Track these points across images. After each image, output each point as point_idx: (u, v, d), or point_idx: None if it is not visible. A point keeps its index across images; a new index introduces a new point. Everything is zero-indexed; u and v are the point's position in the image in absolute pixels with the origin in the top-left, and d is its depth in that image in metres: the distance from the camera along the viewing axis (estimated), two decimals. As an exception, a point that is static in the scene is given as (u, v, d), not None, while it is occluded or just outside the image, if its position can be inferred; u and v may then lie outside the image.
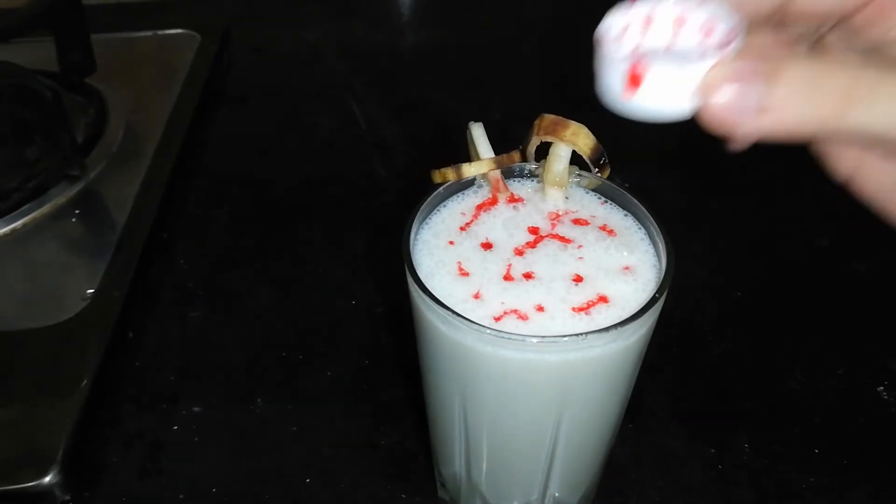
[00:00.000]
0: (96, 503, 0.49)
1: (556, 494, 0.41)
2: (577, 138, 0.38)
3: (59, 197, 0.68)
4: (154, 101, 0.80)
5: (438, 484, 0.48)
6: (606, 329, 0.31)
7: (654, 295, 0.33)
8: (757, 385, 0.55)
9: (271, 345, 0.59)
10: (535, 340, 0.31)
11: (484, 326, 0.31)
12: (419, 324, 0.36)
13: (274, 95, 0.85)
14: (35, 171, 0.68)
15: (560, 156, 0.38)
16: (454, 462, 0.42)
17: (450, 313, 0.32)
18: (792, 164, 0.73)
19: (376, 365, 0.57)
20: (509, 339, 0.31)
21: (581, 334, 0.31)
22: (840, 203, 0.32)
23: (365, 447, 0.51)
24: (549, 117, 0.38)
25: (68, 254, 0.65)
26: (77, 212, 0.67)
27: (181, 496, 0.49)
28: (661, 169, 0.73)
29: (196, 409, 0.54)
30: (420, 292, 0.33)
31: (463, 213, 0.39)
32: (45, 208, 0.67)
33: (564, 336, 0.31)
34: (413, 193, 0.39)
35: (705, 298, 0.62)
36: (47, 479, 0.48)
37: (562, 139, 0.38)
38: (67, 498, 0.49)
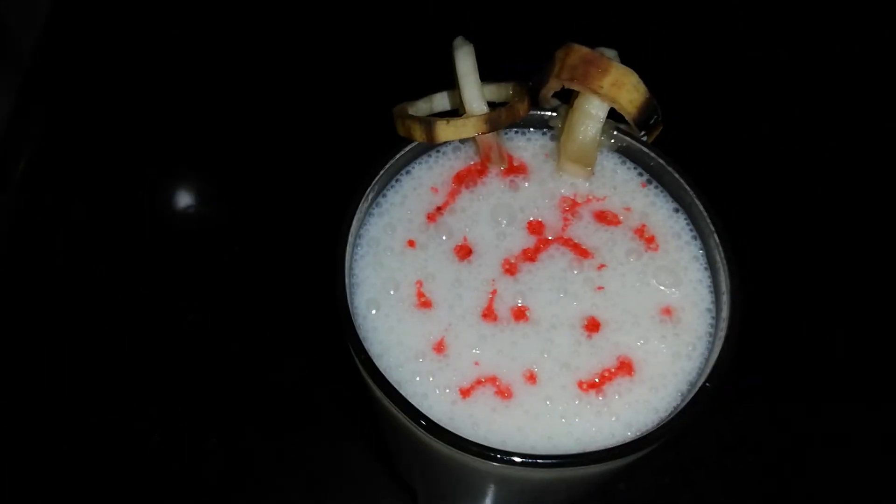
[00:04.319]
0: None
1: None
2: (620, 92, 0.24)
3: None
4: None
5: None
6: (623, 451, 0.21)
7: (705, 384, 0.22)
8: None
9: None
10: (516, 461, 0.20)
11: (437, 431, 0.21)
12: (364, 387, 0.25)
13: None
14: None
15: (592, 115, 0.24)
16: (414, 481, 0.33)
17: (392, 404, 0.21)
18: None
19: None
20: (476, 454, 0.21)
21: (582, 456, 0.20)
22: None
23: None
24: (578, 50, 0.24)
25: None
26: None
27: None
28: (738, 137, 0.47)
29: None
30: (357, 356, 0.22)
31: (434, 189, 0.26)
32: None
33: (556, 459, 0.20)
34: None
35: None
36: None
37: (596, 91, 0.24)
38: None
